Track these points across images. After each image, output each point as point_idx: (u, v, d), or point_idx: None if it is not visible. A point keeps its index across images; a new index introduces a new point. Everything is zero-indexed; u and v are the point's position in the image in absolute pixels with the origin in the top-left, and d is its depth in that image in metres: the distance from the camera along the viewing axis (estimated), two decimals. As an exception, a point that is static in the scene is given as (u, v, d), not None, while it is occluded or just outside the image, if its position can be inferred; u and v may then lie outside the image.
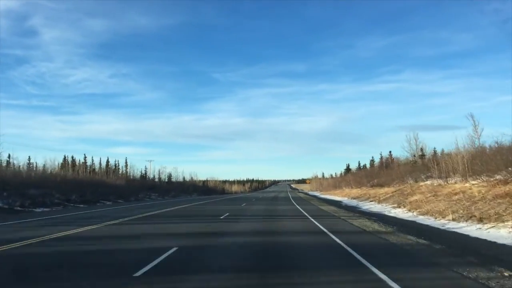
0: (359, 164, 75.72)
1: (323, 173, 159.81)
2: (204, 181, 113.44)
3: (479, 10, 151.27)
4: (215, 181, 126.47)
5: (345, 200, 44.30)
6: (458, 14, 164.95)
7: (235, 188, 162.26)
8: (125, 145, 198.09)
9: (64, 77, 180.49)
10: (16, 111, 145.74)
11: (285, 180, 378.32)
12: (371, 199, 34.82)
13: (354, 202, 37.11)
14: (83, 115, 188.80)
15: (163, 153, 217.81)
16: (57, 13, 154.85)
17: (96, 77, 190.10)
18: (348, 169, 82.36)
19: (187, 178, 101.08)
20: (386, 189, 38.69)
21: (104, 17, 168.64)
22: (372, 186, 48.21)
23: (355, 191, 51.49)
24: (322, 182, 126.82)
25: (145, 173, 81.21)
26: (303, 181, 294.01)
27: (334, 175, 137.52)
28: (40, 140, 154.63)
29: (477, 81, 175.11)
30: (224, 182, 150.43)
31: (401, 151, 79.49)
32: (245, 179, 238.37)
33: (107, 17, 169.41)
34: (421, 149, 51.75)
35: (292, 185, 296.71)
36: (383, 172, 50.24)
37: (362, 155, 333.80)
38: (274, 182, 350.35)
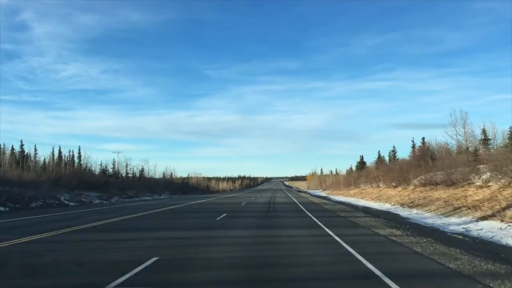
0: (379, 155, 58.86)
1: (321, 170, 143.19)
2: (184, 178, 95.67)
3: (471, 9, 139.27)
4: (198, 177, 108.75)
5: (392, 209, 27.06)
6: (450, 13, 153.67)
7: (223, 185, 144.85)
8: (116, 141, 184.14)
9: (55, 72, 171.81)
10: (6, 106, 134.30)
11: (278, 178, 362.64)
12: (474, 214, 17.54)
13: (446, 222, 19.83)
14: (74, 110, 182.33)
15: (155, 149, 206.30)
16: (48, 8, 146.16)
17: (88, 73, 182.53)
18: (362, 163, 65.37)
19: (167, 174, 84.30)
20: (468, 191, 21.62)
21: (95, 12, 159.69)
22: (424, 185, 31.21)
23: (395, 193, 34.32)
24: (324, 179, 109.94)
25: (113, 167, 64.68)
26: (296, 178, 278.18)
27: (334, 172, 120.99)
28: (30, 136, 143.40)
29: (469, 79, 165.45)
30: (210, 179, 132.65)
31: (443, 137, 63.95)
32: (237, 176, 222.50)
33: (99, 12, 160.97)
34: (483, 132, 35.82)
35: (285, 182, 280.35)
36: (436, 165, 33.19)
37: (356, 152, 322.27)
38: (267, 179, 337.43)
